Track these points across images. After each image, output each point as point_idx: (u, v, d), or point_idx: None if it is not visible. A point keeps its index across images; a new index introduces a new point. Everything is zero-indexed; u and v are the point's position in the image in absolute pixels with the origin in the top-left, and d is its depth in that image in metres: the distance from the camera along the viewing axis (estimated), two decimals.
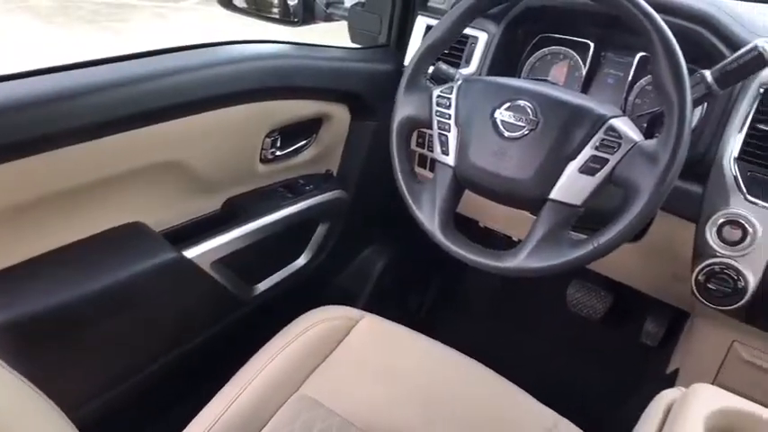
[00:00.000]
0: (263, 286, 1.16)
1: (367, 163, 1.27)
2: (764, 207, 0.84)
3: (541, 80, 1.11)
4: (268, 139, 1.08)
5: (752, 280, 0.87)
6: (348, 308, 1.02)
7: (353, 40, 1.34)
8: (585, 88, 1.08)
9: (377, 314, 1.02)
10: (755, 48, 0.74)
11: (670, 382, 1.19)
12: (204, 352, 1.08)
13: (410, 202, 0.88)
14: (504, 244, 1.17)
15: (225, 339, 1.10)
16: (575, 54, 1.08)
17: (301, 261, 1.25)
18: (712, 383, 1.07)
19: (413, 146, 1.22)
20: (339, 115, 1.20)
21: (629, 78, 1.03)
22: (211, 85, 0.90)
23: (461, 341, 1.07)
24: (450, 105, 0.84)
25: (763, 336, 0.95)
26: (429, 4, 1.22)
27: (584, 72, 1.07)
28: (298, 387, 0.88)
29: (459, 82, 0.86)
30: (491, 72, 1.09)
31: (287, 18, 1.31)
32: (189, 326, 1.04)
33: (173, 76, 0.85)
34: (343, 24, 1.33)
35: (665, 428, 0.65)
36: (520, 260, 0.78)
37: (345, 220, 1.29)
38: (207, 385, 0.87)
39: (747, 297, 0.87)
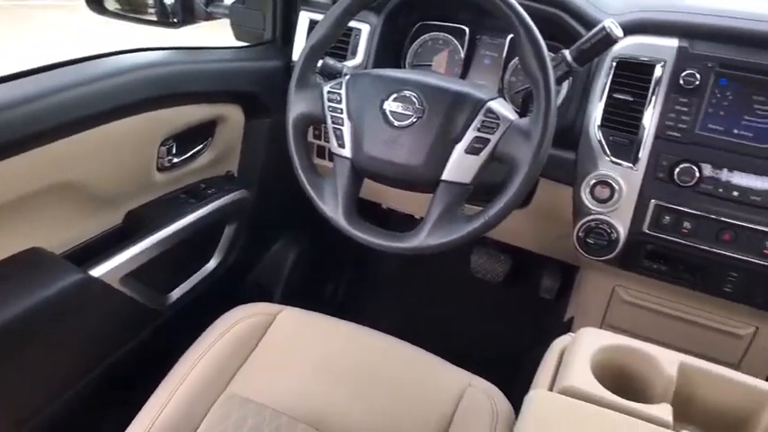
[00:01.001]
0: (176, 294, 1.15)
1: (266, 160, 1.29)
2: (626, 167, 0.96)
3: (425, 65, 1.18)
4: (163, 148, 1.07)
5: (622, 231, 0.99)
6: (266, 303, 1.05)
7: (238, 38, 1.34)
8: (465, 70, 1.15)
9: (294, 306, 1.05)
10: (603, 28, 0.83)
11: (568, 329, 1.32)
12: (127, 366, 1.07)
13: (313, 195, 0.91)
14: (407, 222, 1.24)
15: (146, 350, 1.09)
16: (453, 39, 1.15)
17: (212, 264, 1.25)
18: (601, 324, 1.22)
19: (309, 138, 1.25)
20: (233, 116, 1.20)
21: (503, 58, 1.11)
22: (97, 100, 0.88)
23: (378, 319, 1.13)
24: (341, 100, 0.88)
25: (637, 278, 1.08)
26: None
27: (462, 55, 1.14)
28: (225, 386, 0.90)
29: (348, 77, 0.90)
30: (377, 62, 1.14)
31: (166, 20, 1.28)
32: (106, 344, 1.03)
33: (57, 94, 0.83)
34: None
35: (559, 370, 0.74)
36: (421, 239, 0.84)
37: (251, 219, 1.30)
38: (134, 397, 0.87)
39: (620, 247, 1.00)
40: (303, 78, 0.91)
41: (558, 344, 0.80)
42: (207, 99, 1.11)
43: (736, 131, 0.89)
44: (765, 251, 0.91)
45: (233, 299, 1.07)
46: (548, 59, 0.78)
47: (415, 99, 0.83)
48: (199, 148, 1.17)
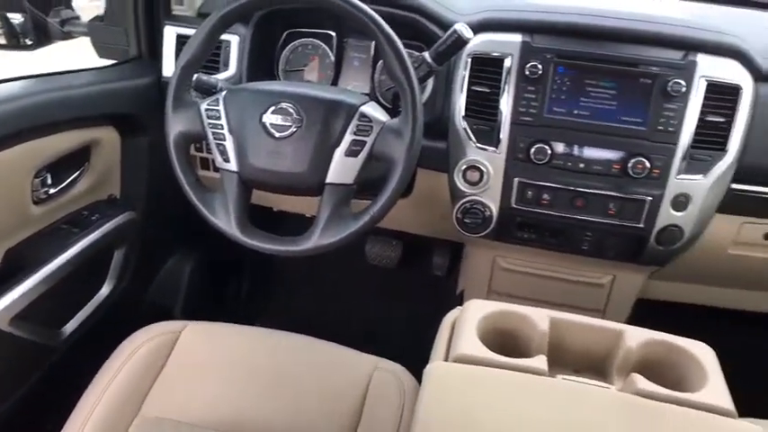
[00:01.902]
0: (71, 327, 1.12)
1: (150, 179, 1.27)
2: (490, 151, 1.07)
3: (298, 70, 1.22)
4: (37, 180, 1.03)
5: (494, 209, 1.10)
6: (168, 322, 1.05)
7: (101, 56, 1.30)
8: (337, 73, 1.21)
9: (197, 320, 1.07)
10: (455, 31, 0.93)
11: (461, 301, 1.44)
12: (29, 407, 1.03)
13: (204, 211, 0.93)
14: (299, 221, 1.28)
15: (47, 389, 1.05)
16: (321, 44, 1.20)
17: (105, 291, 1.22)
18: (487, 292, 1.34)
19: (192, 151, 1.26)
20: (108, 138, 1.18)
21: (371, 59, 1.19)
22: None
23: (283, 319, 1.17)
24: (220, 116, 0.90)
25: (512, 248, 1.21)
26: (173, 12, 1.24)
27: (332, 59, 1.20)
28: (137, 410, 0.91)
29: (224, 92, 0.92)
30: (250, 72, 1.16)
31: (15, 42, 1.21)
32: (3, 388, 0.98)
33: None
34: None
35: (452, 342, 0.82)
36: (314, 241, 0.89)
37: (141, 240, 1.28)
38: None
39: (494, 222, 1.11)
40: (178, 98, 0.92)
41: (449, 318, 0.89)
42: (78, 124, 1.08)
43: (576, 112, 1.03)
44: (610, 211, 1.06)
45: (133, 323, 1.06)
46: (409, 64, 0.86)
47: (292, 110, 0.87)
48: (75, 174, 1.13)
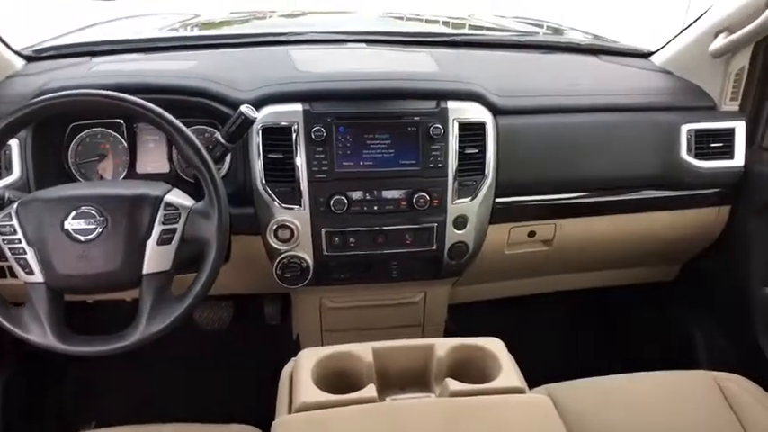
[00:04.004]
0: None
1: None
2: (295, 209, 1.17)
3: (91, 161, 1.20)
4: None
5: (309, 259, 1.21)
6: None
7: None
8: (133, 157, 1.22)
9: None
10: (241, 113, 1.02)
11: (298, 344, 1.51)
12: None
13: (14, 329, 0.90)
14: (119, 308, 1.25)
15: None
16: (110, 132, 1.21)
17: None
18: (321, 332, 1.44)
19: None
20: None
21: (166, 139, 1.22)
22: None
23: (123, 412, 1.14)
24: (15, 231, 0.88)
25: (333, 288, 1.33)
26: None
27: (125, 145, 1.21)
28: None
29: (15, 205, 0.90)
30: (38, 172, 1.12)
31: None
32: None
33: None
34: None
35: (292, 393, 0.90)
36: (141, 331, 0.92)
37: None
38: None
39: (312, 271, 1.22)
40: None
41: (286, 370, 0.97)
42: None
43: (362, 163, 1.18)
44: (407, 241, 1.23)
45: None
46: (204, 151, 0.93)
47: (94, 212, 0.89)
48: None
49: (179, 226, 0.92)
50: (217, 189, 0.93)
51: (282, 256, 1.20)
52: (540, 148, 1.27)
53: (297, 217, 1.18)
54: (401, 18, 2.08)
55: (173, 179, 1.16)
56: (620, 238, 1.40)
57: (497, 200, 1.27)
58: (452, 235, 1.24)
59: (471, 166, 1.22)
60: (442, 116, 1.19)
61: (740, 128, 1.32)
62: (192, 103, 1.13)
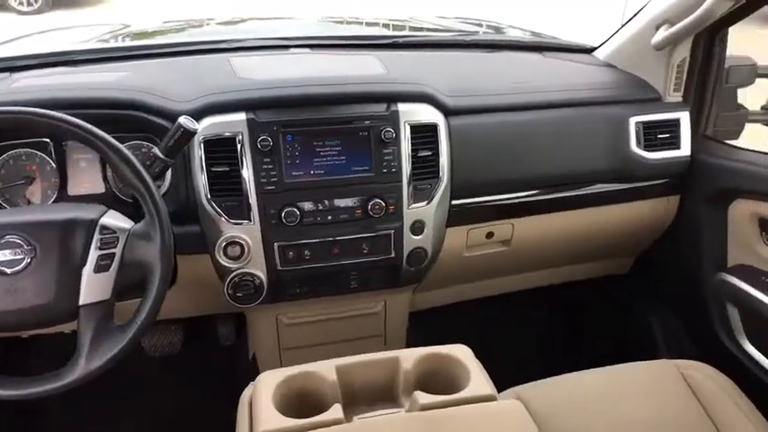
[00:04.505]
0: None
1: None
2: (245, 224, 1.11)
3: (17, 185, 1.11)
4: None
5: (263, 276, 1.15)
6: None
7: None
8: (63, 178, 1.13)
9: None
10: (180, 125, 0.95)
11: (255, 365, 1.45)
12: None
13: None
14: (58, 342, 1.16)
15: None
16: (36, 152, 1.11)
17: None
18: (279, 350, 1.38)
19: None
20: None
21: (99, 157, 1.14)
22: None
23: None
24: None
25: (289, 304, 1.27)
26: None
27: (54, 165, 1.12)
28: None
29: None
30: None
31: None
32: None
33: None
34: None
35: (252, 419, 0.85)
36: (82, 368, 0.84)
37: None
38: None
39: (266, 288, 1.16)
40: None
41: (245, 395, 0.91)
42: None
43: (312, 172, 1.13)
44: (364, 250, 1.19)
45: None
46: (141, 169, 0.86)
47: (21, 242, 0.81)
48: None
49: (117, 250, 0.85)
50: (157, 208, 0.86)
51: (234, 274, 1.13)
52: (492, 148, 1.25)
53: (247, 232, 1.11)
54: (341, 22, 2.04)
55: (109, 200, 1.08)
56: (575, 234, 1.41)
57: (454, 202, 1.24)
58: (410, 241, 1.21)
59: (425, 169, 1.19)
60: (394, 119, 1.16)
61: (685, 118, 1.34)
62: (125, 117, 1.06)
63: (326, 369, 0.90)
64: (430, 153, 1.19)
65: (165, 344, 1.63)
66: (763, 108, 1.37)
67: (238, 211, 1.11)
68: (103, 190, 1.13)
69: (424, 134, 1.18)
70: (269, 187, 1.10)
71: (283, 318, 1.32)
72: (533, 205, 1.32)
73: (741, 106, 1.38)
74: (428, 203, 1.19)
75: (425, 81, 1.23)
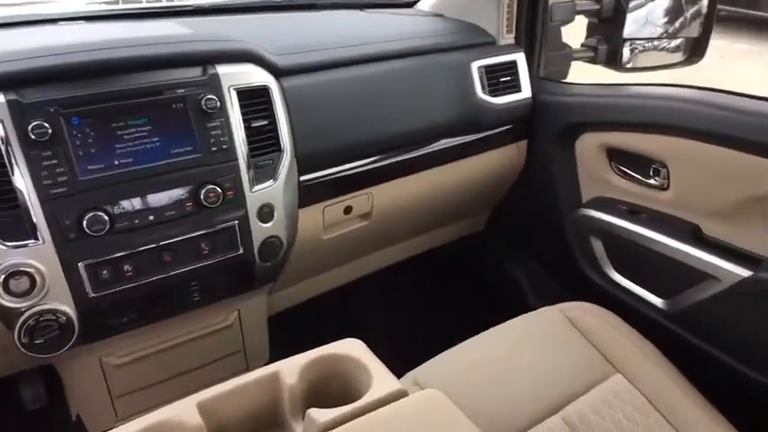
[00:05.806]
0: None
1: None
2: (30, 246, 0.81)
3: None
4: None
5: (70, 311, 0.85)
6: None
7: None
8: None
9: None
10: None
11: (83, 427, 1.13)
12: None
13: None
14: None
15: None
16: None
17: None
18: (112, 401, 1.08)
19: None
20: None
21: None
22: None
23: None
24: None
25: (114, 340, 0.99)
26: None
27: None
28: None
29: None
30: None
31: None
32: None
33: None
34: None
35: None
36: None
37: None
38: None
39: (77, 327, 0.87)
40: None
41: None
42: None
43: (117, 162, 0.86)
44: (204, 252, 0.95)
45: None
46: None
47: None
48: None
49: None
50: None
51: (26, 316, 0.82)
52: (334, 109, 1.09)
53: (35, 255, 0.81)
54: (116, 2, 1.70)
55: None
56: (432, 195, 1.31)
57: (302, 177, 1.06)
58: (260, 230, 1.00)
59: (264, 141, 0.99)
60: (214, 84, 0.93)
61: (521, 59, 1.30)
62: None
63: (185, 410, 0.67)
64: (266, 122, 0.99)
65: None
66: (582, 45, 1.38)
67: (16, 231, 0.80)
68: None
69: (256, 100, 0.98)
70: (57, 190, 0.81)
71: (110, 359, 1.03)
72: (388, 169, 1.19)
73: (566, 45, 1.38)
74: (274, 182, 0.99)
75: (245, 39, 1.02)
